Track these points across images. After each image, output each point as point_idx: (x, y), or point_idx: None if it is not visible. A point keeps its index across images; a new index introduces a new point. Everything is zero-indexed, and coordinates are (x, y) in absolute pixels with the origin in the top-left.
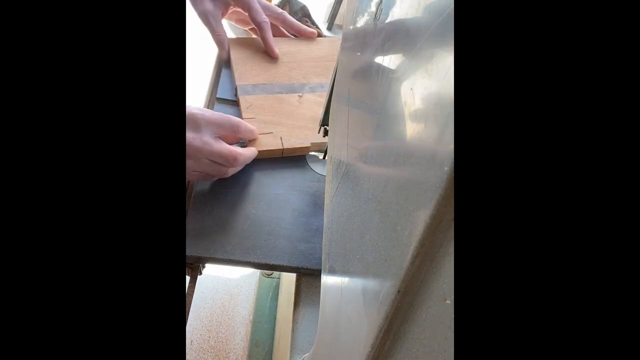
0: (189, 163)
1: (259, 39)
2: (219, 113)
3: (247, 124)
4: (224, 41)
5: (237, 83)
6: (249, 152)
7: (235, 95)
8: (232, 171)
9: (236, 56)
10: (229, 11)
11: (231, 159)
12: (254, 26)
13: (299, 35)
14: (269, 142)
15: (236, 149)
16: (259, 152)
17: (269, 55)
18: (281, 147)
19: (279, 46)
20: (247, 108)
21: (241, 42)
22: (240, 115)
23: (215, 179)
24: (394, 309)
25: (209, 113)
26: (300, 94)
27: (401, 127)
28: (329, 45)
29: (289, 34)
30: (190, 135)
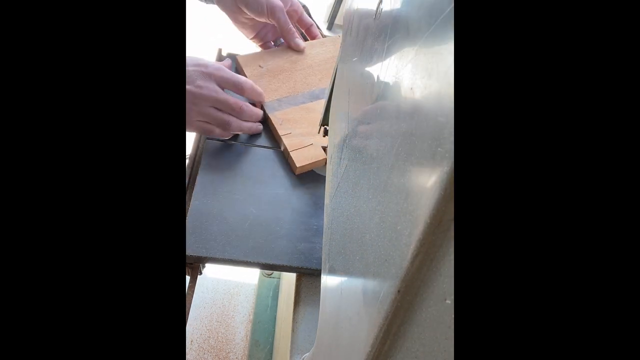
0: (194, 111)
1: (265, 51)
2: (230, 72)
3: (254, 85)
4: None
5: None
6: (258, 110)
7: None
8: (235, 126)
9: (251, 74)
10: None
11: (237, 108)
12: (256, 33)
13: (307, 34)
14: (312, 154)
15: (244, 102)
16: (307, 165)
17: (280, 63)
18: (325, 157)
19: (287, 55)
20: (281, 125)
21: (250, 59)
22: (275, 132)
23: (218, 135)
24: (394, 308)
25: (218, 66)
26: (325, 99)
27: (401, 127)
28: (333, 45)
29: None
30: (199, 83)
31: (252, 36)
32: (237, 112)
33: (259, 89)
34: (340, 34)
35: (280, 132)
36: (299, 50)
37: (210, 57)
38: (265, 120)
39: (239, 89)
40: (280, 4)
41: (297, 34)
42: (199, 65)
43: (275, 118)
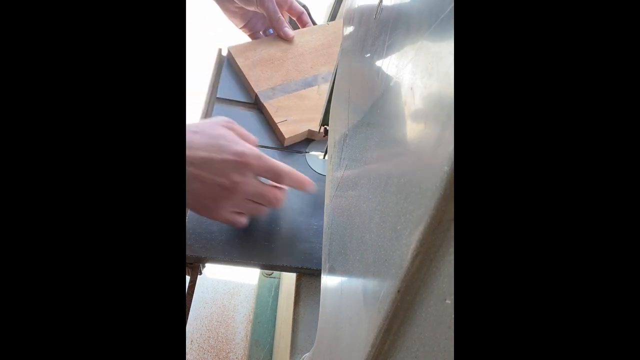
0: (226, 204)
1: (257, 41)
2: (270, 159)
3: (294, 172)
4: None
5: (256, 90)
6: (281, 193)
7: (256, 101)
8: (267, 211)
9: (243, 64)
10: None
11: (274, 201)
12: (246, 22)
13: (297, 22)
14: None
15: (281, 192)
16: (303, 133)
17: (272, 51)
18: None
19: (278, 44)
20: (276, 112)
21: (242, 49)
22: (271, 119)
23: (244, 225)
24: (394, 308)
25: (257, 155)
26: (317, 86)
27: (401, 127)
28: (322, 33)
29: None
30: (237, 179)
31: (241, 25)
32: (274, 204)
33: (301, 176)
34: (329, 22)
35: (276, 119)
36: (288, 40)
37: (209, 57)
38: (261, 109)
39: (278, 179)
40: None
41: (286, 23)
42: (237, 154)
43: (270, 106)
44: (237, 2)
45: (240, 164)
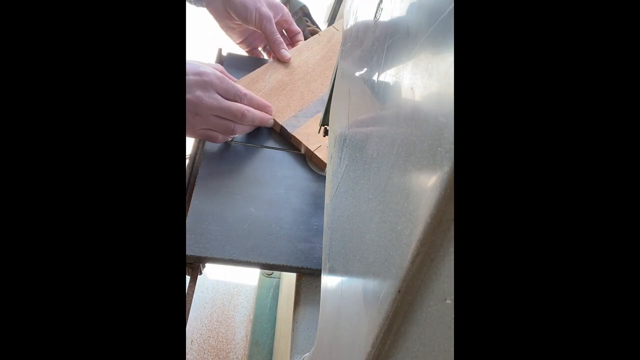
0: (197, 120)
1: (260, 70)
2: (231, 82)
3: (254, 96)
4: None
5: (280, 122)
6: (260, 113)
7: (281, 132)
8: (239, 130)
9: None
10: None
11: (239, 115)
12: (244, 38)
13: (290, 41)
14: None
15: (245, 107)
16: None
17: (279, 77)
18: None
19: (282, 68)
20: (308, 140)
21: (249, 82)
22: (305, 148)
23: (222, 140)
24: (394, 308)
25: (219, 76)
26: None
27: (401, 127)
28: (318, 45)
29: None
30: (198, 94)
31: (239, 41)
32: (240, 119)
33: (261, 99)
34: (324, 31)
35: (311, 147)
36: (284, 62)
37: (210, 56)
38: (288, 139)
39: (238, 99)
40: (269, 14)
41: (284, 45)
42: (199, 74)
43: (300, 135)
44: (235, 19)
45: (203, 82)
